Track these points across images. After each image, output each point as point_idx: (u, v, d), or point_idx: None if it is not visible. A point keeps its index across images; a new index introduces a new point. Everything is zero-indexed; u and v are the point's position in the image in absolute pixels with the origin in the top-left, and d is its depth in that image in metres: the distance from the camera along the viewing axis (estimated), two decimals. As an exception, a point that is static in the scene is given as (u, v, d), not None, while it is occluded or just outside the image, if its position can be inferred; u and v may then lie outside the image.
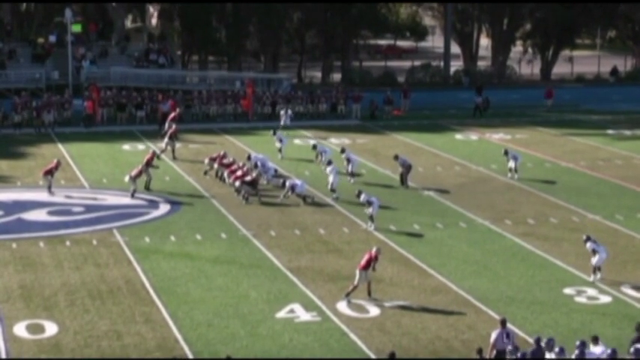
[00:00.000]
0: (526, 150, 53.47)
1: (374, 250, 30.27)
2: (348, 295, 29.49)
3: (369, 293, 29.70)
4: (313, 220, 38.68)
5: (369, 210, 37.17)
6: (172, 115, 55.49)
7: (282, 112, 60.36)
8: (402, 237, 36.28)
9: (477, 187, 44.75)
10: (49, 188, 42.73)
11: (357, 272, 29.69)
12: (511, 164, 46.58)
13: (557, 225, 38.23)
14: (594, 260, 31.45)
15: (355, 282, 29.56)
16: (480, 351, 23.05)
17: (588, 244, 31.73)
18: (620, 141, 57.26)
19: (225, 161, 44.85)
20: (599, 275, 31.37)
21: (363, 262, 29.78)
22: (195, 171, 46.62)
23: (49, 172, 42.66)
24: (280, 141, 50.85)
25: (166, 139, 50.60)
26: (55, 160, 43.78)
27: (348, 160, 45.47)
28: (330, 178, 42.48)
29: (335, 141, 55.15)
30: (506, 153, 47.20)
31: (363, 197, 37.48)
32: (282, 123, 59.15)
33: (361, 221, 38.02)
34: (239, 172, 42.46)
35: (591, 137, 58.03)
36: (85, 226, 37.71)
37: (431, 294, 30.13)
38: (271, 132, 52.87)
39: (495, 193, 43.37)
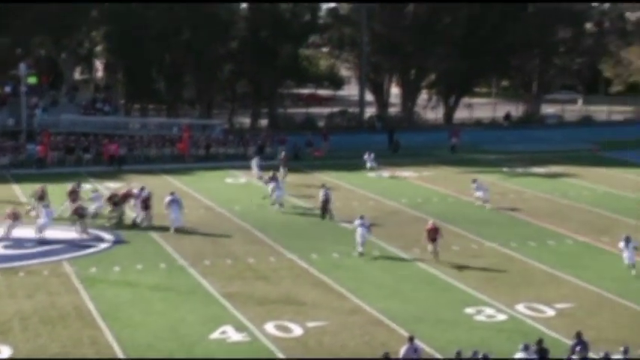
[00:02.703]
0: (432, 186, 53.96)
1: (430, 223, 37.74)
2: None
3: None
4: (243, 250, 38.54)
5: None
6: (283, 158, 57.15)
7: (365, 157, 59.95)
8: (322, 264, 36.28)
9: (388, 219, 44.93)
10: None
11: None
12: (478, 194, 48.49)
13: (459, 252, 38.50)
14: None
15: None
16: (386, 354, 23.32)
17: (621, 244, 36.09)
18: (513, 177, 57.97)
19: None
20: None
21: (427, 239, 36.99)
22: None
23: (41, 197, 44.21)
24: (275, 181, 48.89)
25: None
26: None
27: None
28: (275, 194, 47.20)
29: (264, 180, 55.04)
30: (474, 181, 49.51)
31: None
32: (368, 165, 59.32)
33: (286, 251, 38.03)
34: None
35: (488, 174, 58.64)
36: (38, 258, 37.19)
37: (348, 315, 30.16)
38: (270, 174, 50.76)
39: (405, 225, 43.58)
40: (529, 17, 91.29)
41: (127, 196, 44.35)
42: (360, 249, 38.10)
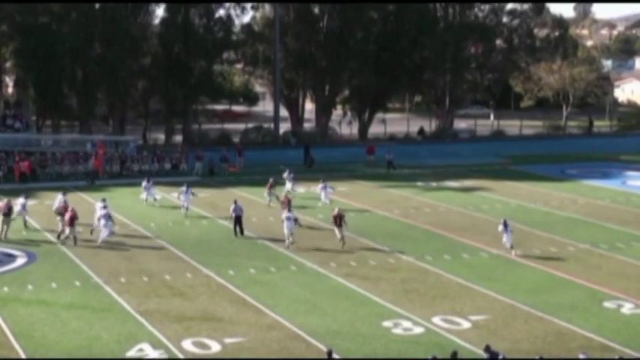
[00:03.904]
0: (347, 201, 54.18)
1: (336, 210, 42.02)
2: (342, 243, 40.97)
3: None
4: (159, 267, 38.22)
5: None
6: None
7: (285, 175, 57.13)
8: (239, 280, 36.15)
9: (305, 234, 44.89)
10: None
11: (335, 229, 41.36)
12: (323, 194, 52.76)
13: (376, 266, 38.73)
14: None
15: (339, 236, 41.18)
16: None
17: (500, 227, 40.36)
18: (427, 191, 58.56)
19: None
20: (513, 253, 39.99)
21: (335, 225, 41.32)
22: (52, 225, 45.50)
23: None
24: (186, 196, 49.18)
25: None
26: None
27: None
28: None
29: (176, 195, 54.52)
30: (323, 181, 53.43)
31: None
32: (288, 185, 56.13)
33: (202, 267, 37.85)
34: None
35: (403, 188, 59.18)
36: (-53, 277, 36.39)
37: (266, 331, 30.08)
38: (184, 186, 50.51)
39: (321, 239, 43.64)
40: (441, 33, 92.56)
41: (72, 218, 42.93)
42: (287, 242, 41.11)
